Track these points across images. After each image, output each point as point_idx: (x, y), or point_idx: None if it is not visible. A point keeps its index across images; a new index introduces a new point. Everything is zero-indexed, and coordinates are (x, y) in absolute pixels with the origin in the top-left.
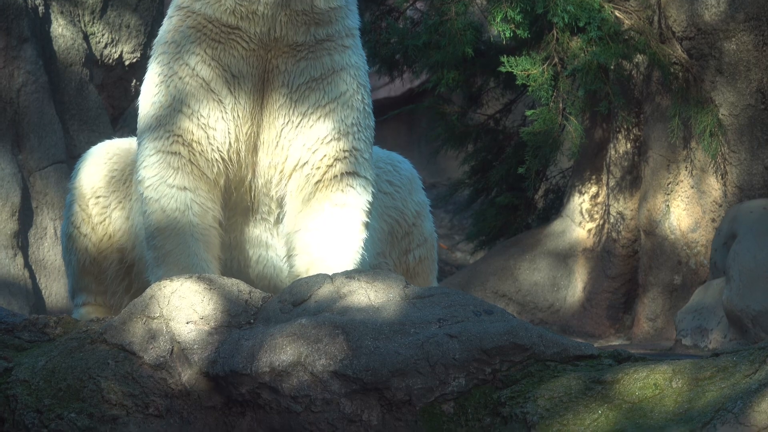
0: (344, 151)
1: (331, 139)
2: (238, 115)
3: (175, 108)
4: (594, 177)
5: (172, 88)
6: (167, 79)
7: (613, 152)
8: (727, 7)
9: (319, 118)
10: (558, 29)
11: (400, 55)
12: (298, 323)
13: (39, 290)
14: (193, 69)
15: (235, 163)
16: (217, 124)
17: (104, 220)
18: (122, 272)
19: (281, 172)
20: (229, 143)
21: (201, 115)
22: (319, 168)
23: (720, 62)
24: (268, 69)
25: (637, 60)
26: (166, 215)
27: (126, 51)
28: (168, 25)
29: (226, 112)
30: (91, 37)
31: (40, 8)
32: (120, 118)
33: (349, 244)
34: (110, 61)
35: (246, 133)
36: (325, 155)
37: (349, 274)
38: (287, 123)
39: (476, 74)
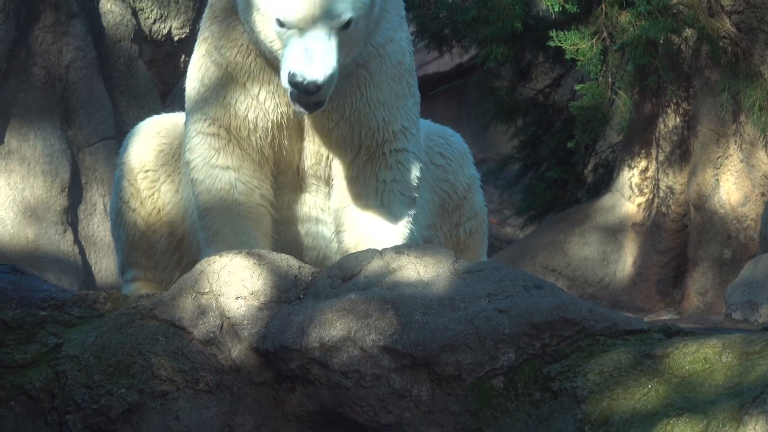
0: (392, 131)
1: (377, 124)
2: (278, 106)
3: (211, 95)
4: (643, 151)
5: (209, 74)
6: (205, 65)
7: (662, 126)
8: None
9: (362, 109)
10: (607, 3)
11: (449, 30)
12: (348, 298)
13: (89, 266)
14: (228, 58)
15: (281, 149)
16: (251, 114)
17: (153, 194)
18: (172, 246)
19: (327, 156)
20: (271, 131)
21: (236, 105)
22: (368, 148)
23: None
24: None
25: (686, 34)
26: (212, 195)
27: (175, 27)
28: (210, 7)
29: (261, 103)
30: (139, 12)
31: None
32: (169, 94)
33: (397, 220)
34: (159, 36)
35: (288, 124)
36: (373, 138)
37: (398, 249)
38: (336, 118)
39: (525, 49)
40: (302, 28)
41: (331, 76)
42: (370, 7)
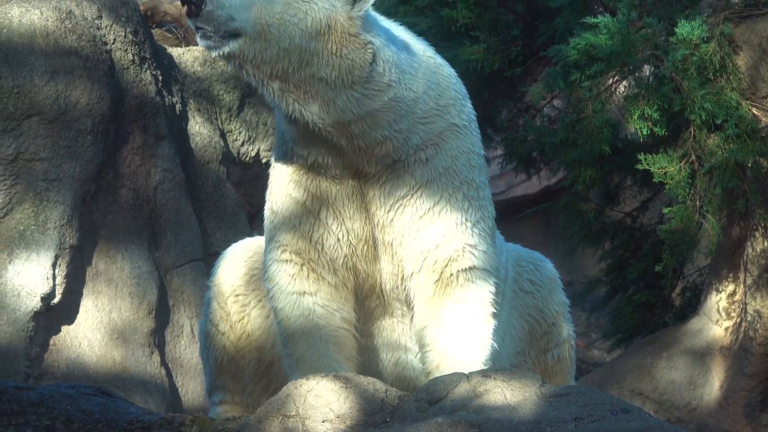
0: (456, 250)
1: (439, 243)
2: (347, 231)
3: (281, 222)
4: (731, 275)
5: (277, 206)
6: (274, 197)
7: (750, 250)
8: None
9: (422, 228)
10: (695, 126)
11: (537, 153)
12: (435, 422)
13: (176, 388)
14: (289, 193)
15: (357, 273)
16: (315, 235)
17: (243, 318)
18: (261, 371)
19: (402, 278)
20: (344, 256)
21: (304, 231)
22: (434, 270)
23: None
24: (363, 191)
25: None
26: (292, 321)
27: (263, 149)
28: (275, 145)
29: (331, 231)
30: (228, 134)
31: (177, 106)
32: (257, 216)
33: (476, 337)
34: (247, 158)
35: (361, 248)
36: (436, 259)
37: (485, 373)
38: (394, 238)
39: (613, 171)
40: None
41: None
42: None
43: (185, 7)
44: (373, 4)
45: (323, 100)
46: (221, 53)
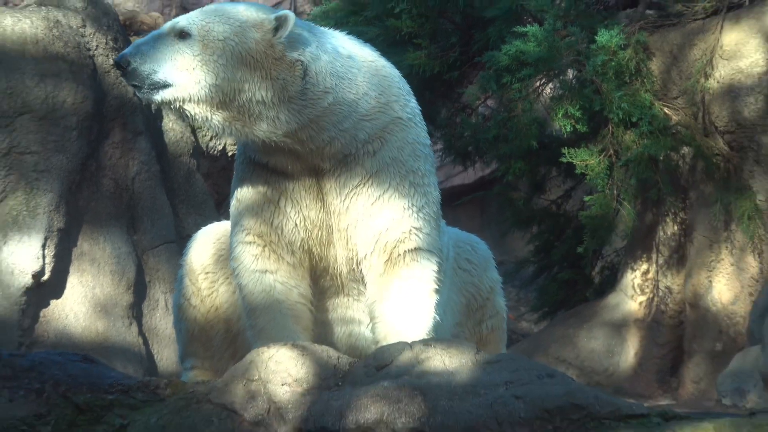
0: (404, 233)
1: (389, 227)
2: (304, 218)
3: (245, 209)
4: (645, 255)
5: (242, 195)
6: (238, 188)
7: (661, 234)
8: (764, 104)
9: (373, 213)
10: (613, 124)
11: (473, 147)
12: (381, 386)
13: (152, 355)
14: (252, 184)
15: (312, 254)
16: (281, 224)
17: (212, 293)
18: (228, 340)
19: (356, 261)
20: (300, 239)
21: (265, 217)
22: (384, 251)
23: (758, 154)
24: (320, 184)
25: (683, 152)
26: (255, 296)
27: (229, 143)
28: (238, 145)
29: (289, 217)
30: (197, 131)
31: (153, 105)
32: (224, 203)
33: (420, 310)
34: (215, 152)
35: (316, 233)
36: (386, 241)
37: (426, 342)
38: (349, 223)
39: (540, 164)
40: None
41: (133, 54)
42: (220, 37)
43: (114, 67)
44: (317, 19)
45: (268, 117)
46: (155, 102)
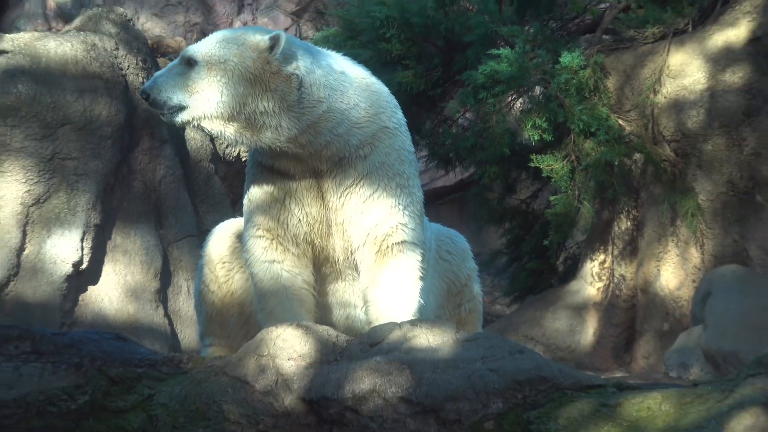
0: (391, 227)
1: (379, 222)
2: (306, 214)
3: (255, 208)
4: (602, 247)
5: (253, 195)
6: (249, 189)
7: (616, 228)
8: (705, 117)
9: (365, 210)
10: (575, 134)
11: (453, 154)
12: (374, 360)
13: (176, 334)
14: (261, 186)
15: (314, 246)
16: (287, 220)
17: (228, 280)
18: (241, 321)
19: (351, 251)
20: (303, 233)
21: (273, 214)
22: (375, 243)
23: (700, 159)
24: (320, 184)
25: (635, 158)
26: (264, 283)
27: (243, 150)
28: (250, 151)
29: (293, 214)
30: (216, 139)
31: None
32: (238, 202)
33: (407, 295)
34: (231, 158)
35: (317, 227)
36: (376, 235)
37: (413, 323)
38: (344, 218)
39: (512, 168)
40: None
41: (151, 87)
42: (223, 61)
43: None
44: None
45: (272, 126)
46: (176, 123)
